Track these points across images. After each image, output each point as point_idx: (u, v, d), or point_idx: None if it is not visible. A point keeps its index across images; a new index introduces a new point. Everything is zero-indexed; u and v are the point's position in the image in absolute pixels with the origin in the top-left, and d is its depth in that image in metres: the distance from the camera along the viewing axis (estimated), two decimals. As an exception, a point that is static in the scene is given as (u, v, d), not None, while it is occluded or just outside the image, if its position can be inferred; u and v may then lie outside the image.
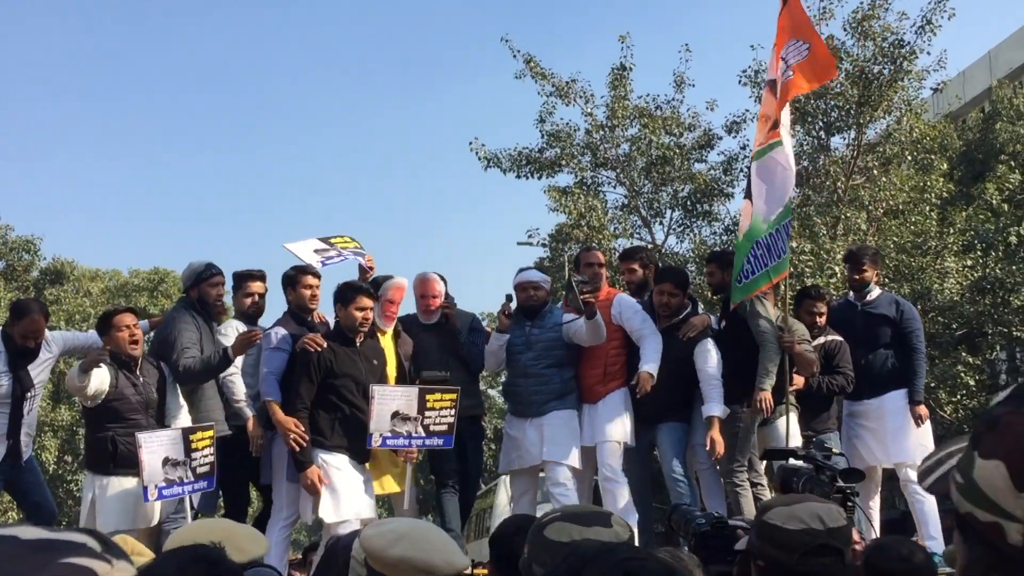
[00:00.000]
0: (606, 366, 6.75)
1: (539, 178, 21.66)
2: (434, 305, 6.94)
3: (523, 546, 2.38)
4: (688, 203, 21.61)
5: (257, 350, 6.56)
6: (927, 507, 6.75)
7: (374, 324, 6.52)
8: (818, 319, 7.11)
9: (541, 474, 6.94)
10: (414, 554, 2.36)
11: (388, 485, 6.66)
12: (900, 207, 18.90)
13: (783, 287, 7.04)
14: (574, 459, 6.57)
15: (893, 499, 13.64)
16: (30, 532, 0.90)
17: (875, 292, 7.34)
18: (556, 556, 2.08)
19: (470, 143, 21.44)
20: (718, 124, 22.24)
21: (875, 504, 7.08)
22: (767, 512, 2.46)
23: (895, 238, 18.43)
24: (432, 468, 7.22)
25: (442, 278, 7.03)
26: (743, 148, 20.47)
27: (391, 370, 6.67)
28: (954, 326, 18.38)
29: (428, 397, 6.37)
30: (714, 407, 6.56)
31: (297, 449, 6.13)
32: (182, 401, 6.59)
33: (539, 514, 2.97)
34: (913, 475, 6.63)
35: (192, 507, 6.36)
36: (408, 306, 7.08)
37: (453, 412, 6.42)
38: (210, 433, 6.26)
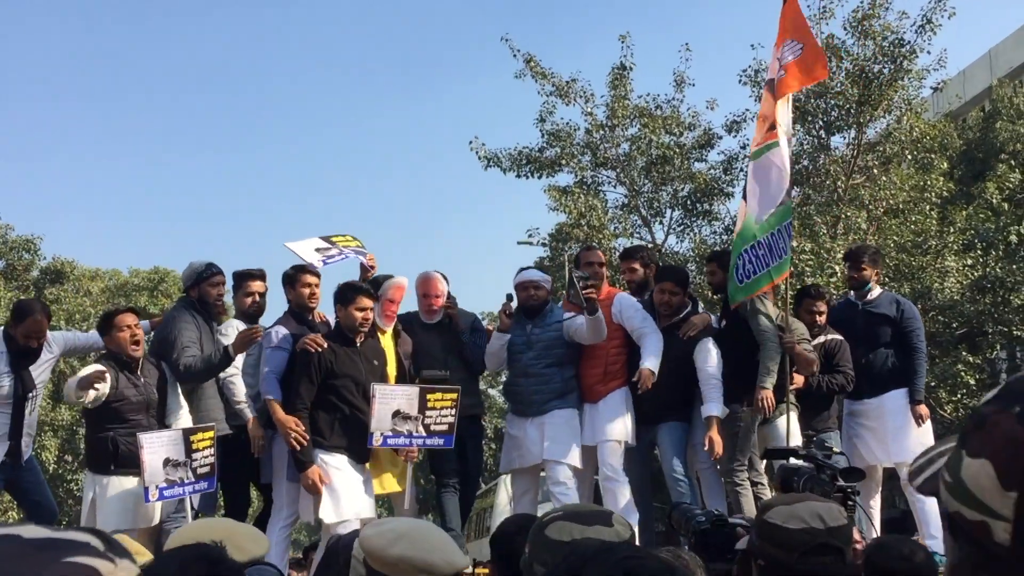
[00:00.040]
0: (607, 365, 6.75)
1: (539, 177, 21.66)
2: (437, 305, 6.94)
3: (524, 545, 2.39)
4: (688, 202, 21.60)
5: (257, 350, 6.56)
6: (928, 506, 6.74)
7: (374, 323, 6.52)
8: (818, 318, 7.12)
9: (542, 473, 6.94)
10: (413, 553, 2.36)
11: (388, 484, 6.66)
12: (900, 206, 18.90)
13: (784, 287, 7.05)
14: (575, 458, 6.57)
15: (894, 498, 13.64)
16: (33, 531, 0.90)
17: (876, 291, 7.35)
18: (557, 555, 2.08)
19: (470, 142, 21.44)
20: (718, 123, 22.26)
21: (876, 503, 7.08)
22: (768, 511, 2.46)
23: (895, 237, 18.44)
24: (432, 467, 7.22)
25: (444, 277, 7.03)
26: (743, 147, 20.45)
27: (391, 369, 6.67)
28: (954, 325, 18.38)
29: (429, 397, 6.37)
30: (713, 407, 6.56)
31: (298, 448, 6.14)
32: (182, 400, 6.59)
33: (540, 513, 2.98)
34: (914, 474, 6.62)
35: (193, 507, 6.36)
36: (408, 304, 7.09)
37: (454, 412, 6.42)
38: (210, 434, 6.26)
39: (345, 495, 6.19)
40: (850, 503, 3.75)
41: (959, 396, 17.69)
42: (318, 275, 6.82)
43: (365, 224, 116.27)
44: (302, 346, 6.27)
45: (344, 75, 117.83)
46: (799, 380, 6.82)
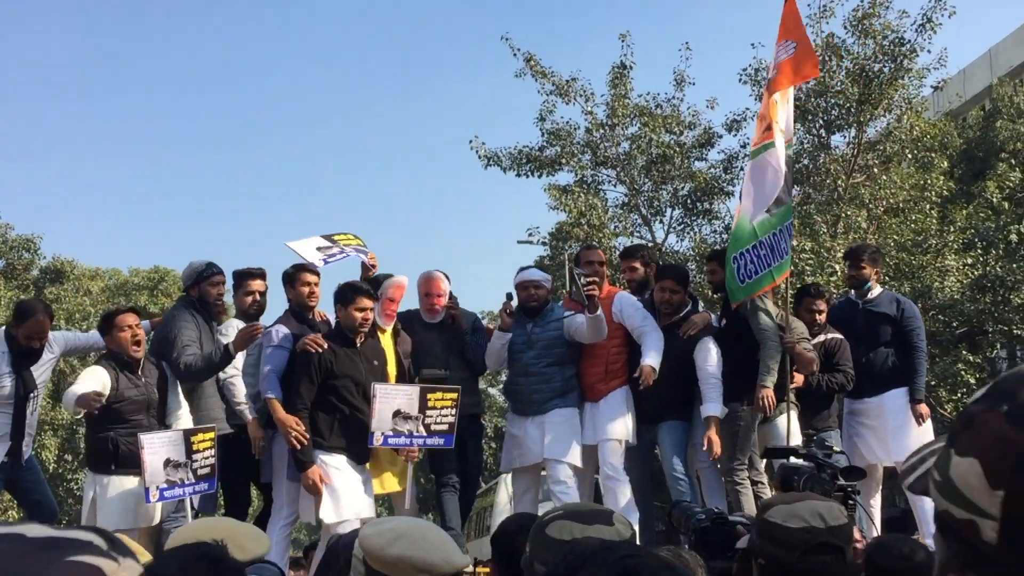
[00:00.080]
0: (607, 364, 6.75)
1: (539, 176, 21.65)
2: (439, 304, 6.94)
3: (525, 544, 2.39)
4: (688, 201, 21.61)
5: (257, 349, 6.56)
6: (928, 505, 6.74)
7: (374, 323, 6.52)
8: (818, 317, 7.13)
9: (543, 472, 6.94)
10: (413, 553, 2.36)
11: (388, 484, 6.66)
12: (900, 205, 18.90)
13: (784, 286, 7.06)
14: (575, 457, 6.57)
15: (894, 497, 13.65)
16: (36, 530, 0.90)
17: (876, 290, 7.35)
18: (558, 554, 2.08)
19: (470, 142, 21.44)
20: (718, 122, 22.27)
21: (876, 502, 7.08)
22: (768, 510, 2.46)
23: (895, 236, 18.44)
24: (432, 467, 7.21)
25: (446, 276, 7.03)
26: (743, 146, 20.46)
27: (391, 369, 6.66)
28: (954, 324, 18.39)
29: (429, 396, 6.37)
30: (712, 407, 6.56)
31: (298, 447, 6.14)
32: (183, 400, 6.58)
33: (541, 512, 2.98)
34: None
35: (193, 507, 6.35)
36: (408, 302, 7.09)
37: (454, 412, 6.42)
38: (211, 435, 6.25)
39: (345, 495, 6.19)
40: (850, 502, 3.74)
41: (959, 395, 17.68)
42: (317, 274, 6.81)
43: (365, 224, 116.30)
44: (302, 346, 6.26)
45: (344, 75, 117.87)
46: (799, 379, 6.82)
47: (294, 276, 6.73)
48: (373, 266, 7.12)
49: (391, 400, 6.28)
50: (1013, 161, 20.54)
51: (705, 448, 6.52)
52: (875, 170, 18.87)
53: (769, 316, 6.74)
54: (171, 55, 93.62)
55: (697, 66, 39.43)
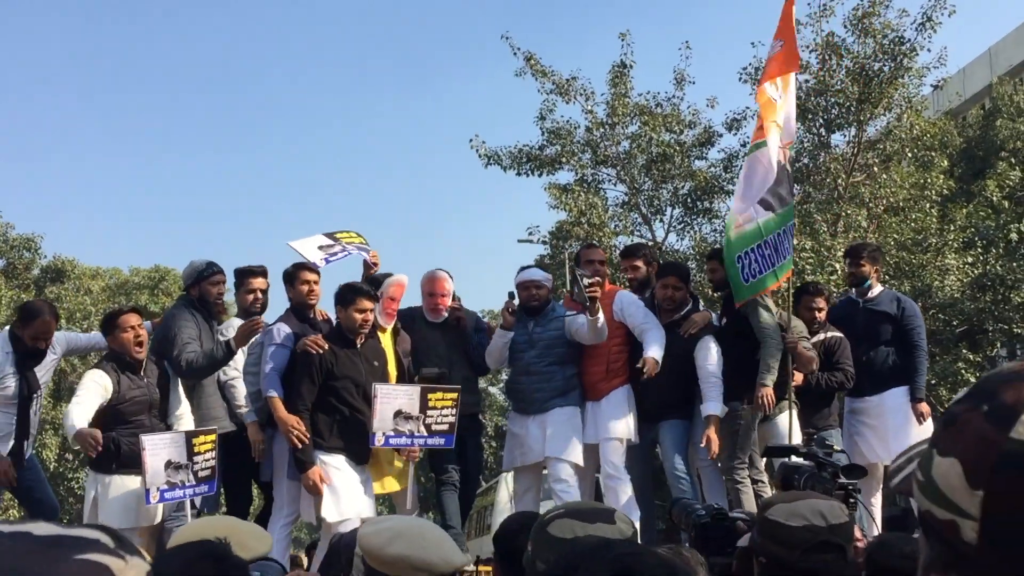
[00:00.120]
0: (609, 363, 6.75)
1: (539, 175, 21.66)
2: (443, 304, 6.93)
3: (527, 543, 2.39)
4: (688, 200, 21.60)
5: (259, 348, 6.56)
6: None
7: (374, 322, 6.52)
8: (817, 315, 7.13)
9: (544, 471, 6.95)
10: (411, 552, 2.36)
11: (389, 484, 6.66)
12: (900, 204, 18.90)
13: (786, 285, 7.07)
14: (576, 456, 6.57)
15: (894, 496, 13.63)
16: (43, 529, 0.90)
17: (876, 289, 7.35)
18: (559, 553, 2.09)
19: (470, 141, 21.43)
20: (718, 121, 22.30)
21: (877, 501, 7.09)
22: (769, 509, 2.47)
23: (895, 235, 18.44)
24: (432, 466, 7.21)
25: (450, 276, 7.03)
26: (743, 145, 20.44)
27: (391, 368, 6.66)
28: (955, 323, 18.39)
29: (430, 396, 6.37)
30: (712, 406, 6.56)
31: (299, 446, 6.14)
32: (183, 397, 6.58)
33: (542, 511, 2.98)
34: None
35: (194, 507, 6.35)
36: (408, 300, 7.09)
37: (454, 411, 6.42)
38: (212, 437, 6.25)
39: (346, 494, 6.19)
40: (851, 501, 3.75)
41: (959, 394, 17.67)
42: (317, 272, 6.81)
43: (365, 223, 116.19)
44: (302, 347, 6.26)
45: (344, 74, 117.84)
46: (798, 378, 6.82)
47: (294, 275, 6.73)
48: (375, 264, 7.12)
49: (392, 400, 6.28)
50: (1013, 160, 20.53)
51: (703, 446, 6.52)
52: (875, 169, 18.86)
53: (770, 314, 6.74)
54: (171, 55, 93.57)
55: (697, 65, 39.63)
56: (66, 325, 23.69)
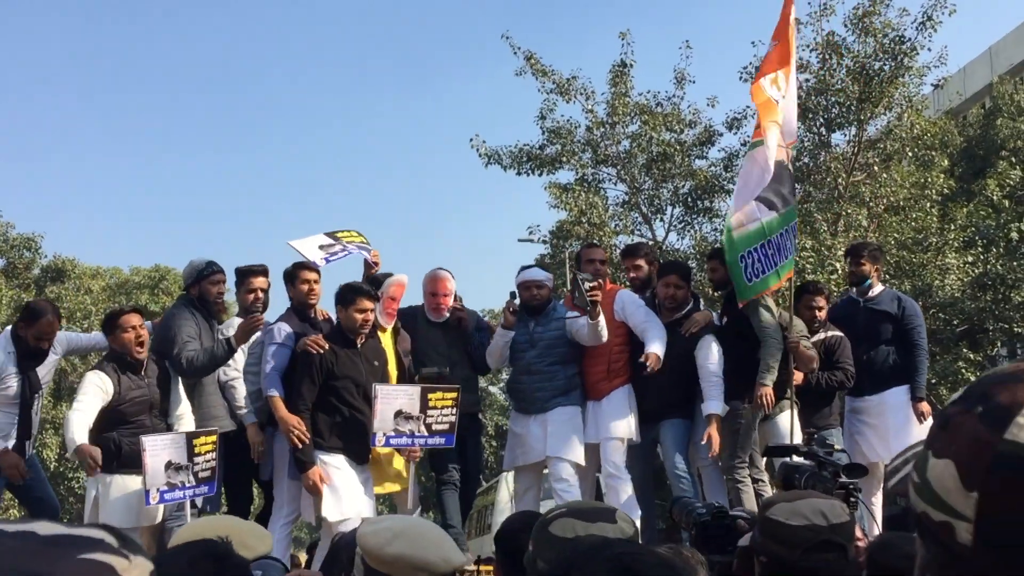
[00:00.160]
0: (610, 363, 6.75)
1: (540, 175, 21.66)
2: (445, 304, 6.93)
3: (528, 542, 2.39)
4: (689, 200, 21.60)
5: (259, 348, 6.56)
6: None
7: (374, 322, 6.52)
8: (817, 314, 7.13)
9: (545, 471, 6.95)
10: (410, 552, 2.36)
11: (389, 484, 6.66)
12: (901, 203, 18.90)
13: (787, 284, 7.07)
14: (578, 455, 6.57)
15: (895, 495, 13.63)
16: (47, 528, 0.90)
17: (877, 288, 7.35)
18: (561, 552, 2.09)
19: (471, 140, 21.41)
20: (719, 120, 22.29)
21: (877, 500, 7.07)
22: (770, 508, 2.47)
23: (896, 234, 18.44)
24: (432, 465, 7.21)
25: (452, 276, 7.02)
26: (744, 144, 20.44)
27: (391, 368, 6.66)
28: (955, 322, 18.39)
29: (430, 396, 6.37)
30: (713, 405, 6.56)
31: (299, 446, 6.14)
32: (183, 396, 6.57)
33: (543, 510, 2.98)
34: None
35: (195, 507, 6.35)
36: (408, 299, 7.09)
37: (455, 411, 6.42)
38: (212, 438, 6.24)
39: (347, 493, 6.19)
40: (852, 500, 3.74)
41: (960, 393, 17.68)
42: (318, 271, 6.81)
43: (365, 223, 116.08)
44: (303, 347, 6.26)
45: (344, 74, 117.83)
46: (798, 377, 6.82)
47: (294, 274, 6.73)
48: (375, 264, 7.12)
49: (392, 400, 6.28)
50: (1013, 159, 20.54)
51: (704, 444, 6.52)
52: (875, 168, 18.86)
53: (770, 313, 6.74)
54: (171, 54, 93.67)
55: (697, 64, 39.64)
56: (66, 325, 23.68)
